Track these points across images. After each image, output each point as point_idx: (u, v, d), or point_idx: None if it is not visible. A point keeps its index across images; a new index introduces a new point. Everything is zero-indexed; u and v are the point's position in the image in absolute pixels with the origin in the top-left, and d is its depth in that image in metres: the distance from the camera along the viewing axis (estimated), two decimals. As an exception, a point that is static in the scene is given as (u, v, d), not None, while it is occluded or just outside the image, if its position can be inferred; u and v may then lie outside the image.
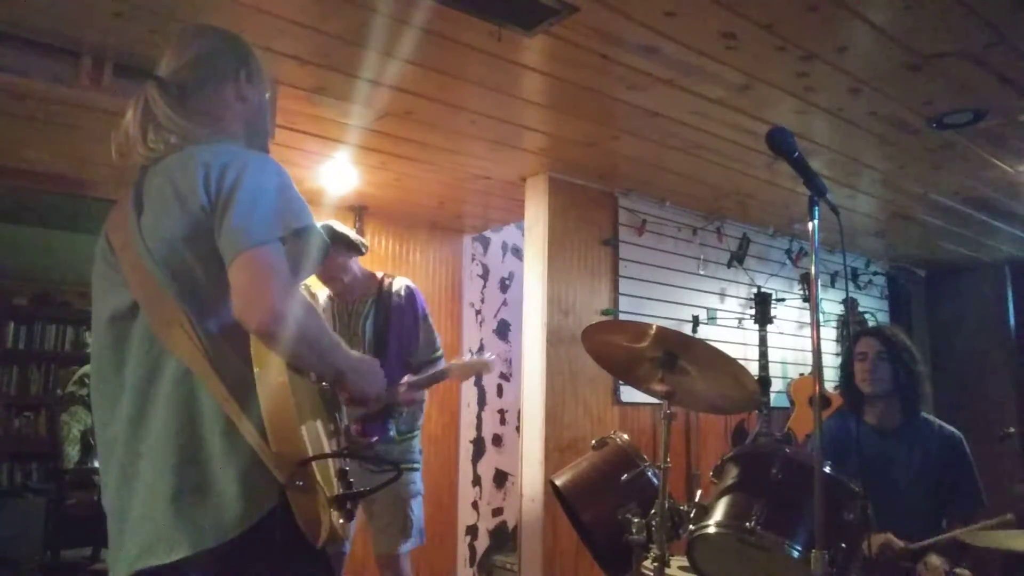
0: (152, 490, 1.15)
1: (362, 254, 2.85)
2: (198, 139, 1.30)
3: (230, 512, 1.12)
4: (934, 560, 2.15)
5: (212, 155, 1.24)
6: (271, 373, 1.13)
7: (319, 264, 1.32)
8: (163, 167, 1.28)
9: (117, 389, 1.24)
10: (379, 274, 2.93)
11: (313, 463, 1.13)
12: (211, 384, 1.15)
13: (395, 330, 2.78)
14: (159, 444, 1.16)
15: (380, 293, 2.84)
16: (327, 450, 1.21)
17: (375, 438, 2.66)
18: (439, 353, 2.90)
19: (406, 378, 2.69)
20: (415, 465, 2.84)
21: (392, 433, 2.76)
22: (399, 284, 2.88)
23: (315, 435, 1.20)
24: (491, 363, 2.91)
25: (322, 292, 2.88)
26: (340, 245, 2.74)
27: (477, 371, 2.99)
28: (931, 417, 2.59)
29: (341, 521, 1.17)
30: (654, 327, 2.00)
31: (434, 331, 2.91)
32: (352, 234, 2.79)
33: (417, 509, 2.78)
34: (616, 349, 2.17)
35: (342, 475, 1.24)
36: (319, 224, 2.99)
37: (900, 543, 2.21)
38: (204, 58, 1.40)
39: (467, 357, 2.90)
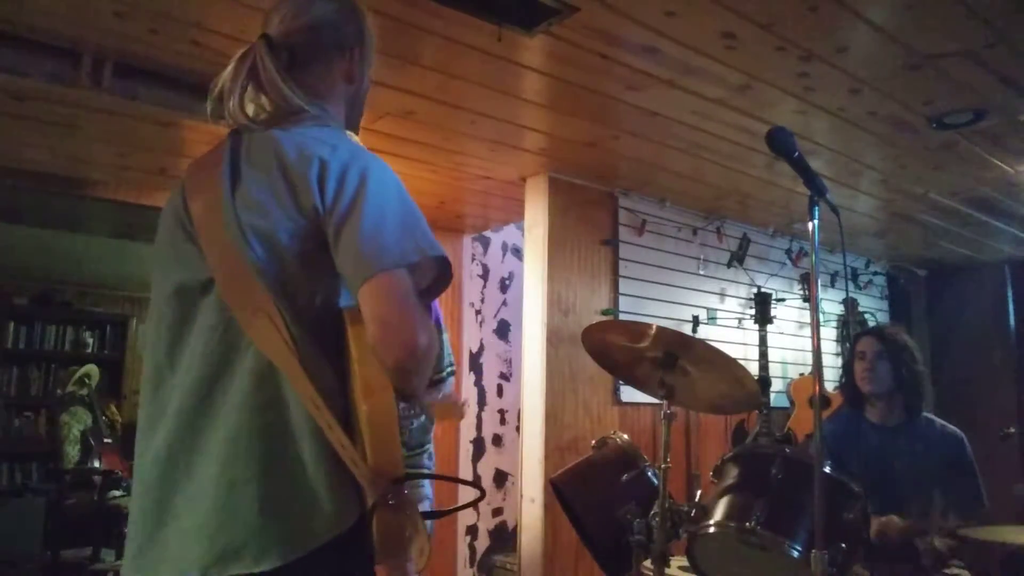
0: (231, 492, 1.04)
1: None
2: (301, 116, 1.19)
3: (320, 523, 1.04)
4: (936, 541, 2.15)
5: (328, 149, 1.12)
6: (376, 384, 1.05)
7: (437, 296, 1.22)
8: (270, 142, 1.15)
9: (164, 368, 1.14)
10: None
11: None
12: (300, 385, 1.05)
13: None
14: (237, 443, 1.06)
15: None
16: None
17: None
18: (443, 373, 2.75)
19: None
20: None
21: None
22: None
23: None
24: (463, 409, 2.83)
25: None
26: None
27: (447, 416, 2.87)
28: (933, 416, 2.60)
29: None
30: (654, 327, 2.00)
31: (444, 348, 2.75)
32: None
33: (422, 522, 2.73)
34: (616, 349, 2.17)
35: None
36: None
37: (899, 522, 2.21)
38: (322, 26, 1.26)
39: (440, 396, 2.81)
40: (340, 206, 1.08)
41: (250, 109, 1.21)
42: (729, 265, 4.30)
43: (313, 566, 1.04)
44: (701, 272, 4.15)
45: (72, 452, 4.85)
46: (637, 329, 2.06)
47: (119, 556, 4.13)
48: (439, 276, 1.18)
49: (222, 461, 1.06)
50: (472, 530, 4.58)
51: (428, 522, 2.80)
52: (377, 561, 1.08)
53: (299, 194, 1.10)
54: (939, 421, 2.58)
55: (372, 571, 1.11)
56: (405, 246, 1.09)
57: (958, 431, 2.54)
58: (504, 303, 4.86)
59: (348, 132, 1.30)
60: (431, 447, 2.86)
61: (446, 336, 2.83)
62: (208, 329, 1.11)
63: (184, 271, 1.16)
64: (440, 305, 2.94)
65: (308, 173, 1.10)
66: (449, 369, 2.79)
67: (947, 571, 2.17)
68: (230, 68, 1.20)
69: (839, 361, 4.89)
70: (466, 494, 4.61)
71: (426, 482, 2.80)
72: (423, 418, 2.80)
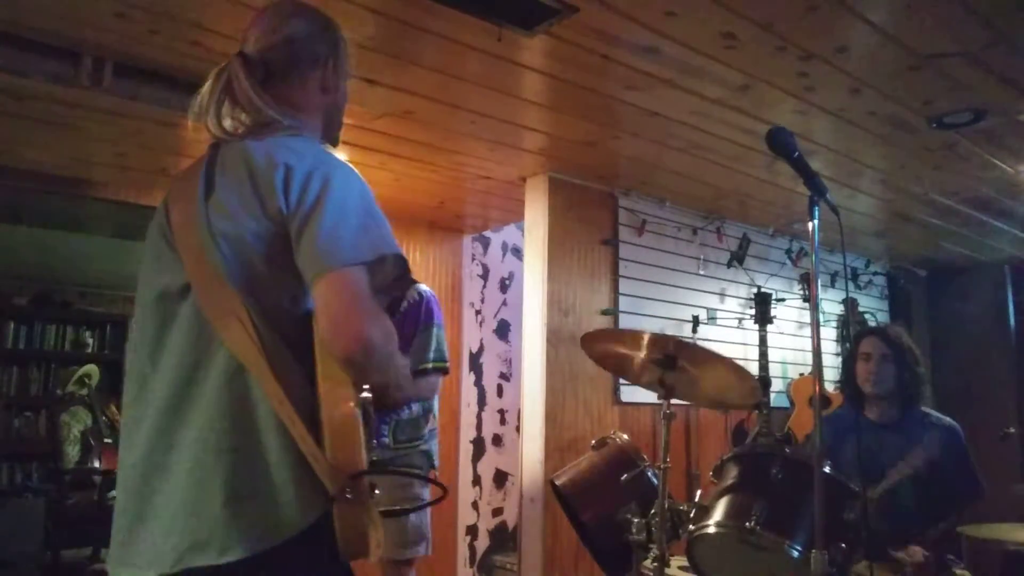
0: (200, 488, 1.09)
1: None
2: (275, 127, 1.24)
3: (283, 516, 1.08)
4: (915, 549, 2.17)
5: (295, 156, 1.18)
6: (333, 380, 1.09)
7: (393, 295, 1.29)
8: (242, 151, 1.21)
9: (147, 370, 1.19)
10: None
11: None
12: (267, 384, 1.10)
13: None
14: (207, 441, 1.10)
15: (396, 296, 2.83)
16: (366, 462, 1.15)
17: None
18: (428, 365, 2.71)
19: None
20: (414, 474, 2.75)
21: (386, 439, 2.67)
22: (412, 290, 2.79)
23: None
24: (444, 495, 2.80)
25: None
26: None
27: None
28: (928, 410, 2.61)
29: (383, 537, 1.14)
30: (646, 335, 2.00)
31: (431, 342, 2.73)
32: None
33: (416, 516, 2.69)
34: (615, 355, 2.18)
35: (372, 488, 1.19)
36: None
37: (924, 553, 2.21)
38: (296, 41, 1.31)
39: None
40: (303, 208, 1.13)
41: (227, 123, 1.26)
42: (729, 265, 4.30)
43: (278, 559, 1.07)
44: (701, 272, 4.15)
45: (72, 452, 4.85)
46: (632, 338, 2.06)
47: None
48: (399, 275, 1.22)
49: (192, 457, 1.11)
50: (472, 530, 4.58)
51: (420, 516, 2.77)
52: (342, 555, 1.11)
53: (264, 198, 1.15)
54: (933, 413, 2.60)
55: (339, 564, 1.14)
56: (360, 245, 1.13)
57: (952, 422, 2.56)
58: (504, 303, 4.86)
59: (325, 144, 1.36)
60: (432, 445, 2.83)
61: (442, 333, 2.80)
62: (185, 332, 1.17)
63: (165, 277, 1.21)
64: (440, 304, 2.95)
65: (273, 177, 1.15)
66: (435, 364, 2.75)
67: (948, 571, 2.17)
68: (208, 84, 1.27)
69: (839, 361, 4.89)
70: (464, 488, 4.62)
71: (417, 482, 2.77)
72: (414, 412, 2.77)
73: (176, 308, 1.18)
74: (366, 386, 1.19)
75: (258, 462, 1.10)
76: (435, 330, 2.77)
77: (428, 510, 2.79)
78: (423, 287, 2.85)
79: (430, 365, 2.73)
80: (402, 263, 1.20)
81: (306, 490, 1.09)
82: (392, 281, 1.22)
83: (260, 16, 1.34)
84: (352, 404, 1.09)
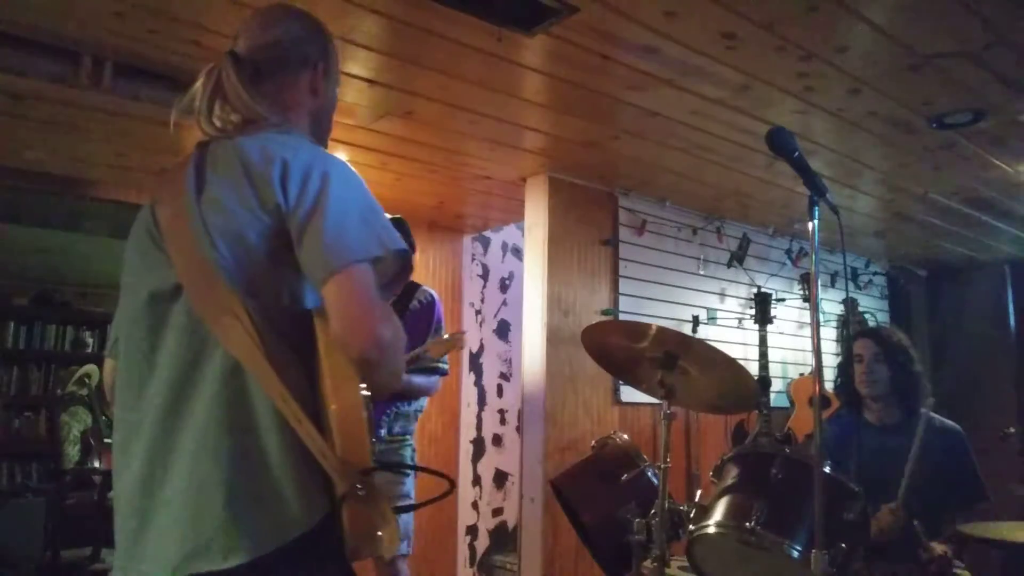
0: (200, 490, 1.07)
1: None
2: (265, 124, 1.24)
3: (288, 517, 1.06)
4: (937, 546, 2.16)
5: (290, 151, 1.17)
6: (343, 377, 1.07)
7: (398, 289, 1.24)
8: (234, 148, 1.20)
9: (145, 374, 1.17)
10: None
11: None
12: (268, 382, 1.08)
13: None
14: (205, 441, 1.09)
15: (402, 296, 2.87)
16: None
17: None
18: (440, 364, 2.87)
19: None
20: (406, 472, 2.82)
21: (383, 433, 2.75)
22: (422, 292, 2.93)
23: None
24: (463, 338, 2.93)
25: None
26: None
27: (450, 347, 2.96)
28: (931, 413, 2.60)
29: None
30: (654, 327, 2.00)
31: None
32: (412, 240, 2.84)
33: (403, 515, 2.72)
34: (616, 349, 2.17)
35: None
36: (392, 217, 3.04)
37: (890, 513, 2.22)
38: (286, 43, 1.32)
39: (444, 336, 2.90)
40: (303, 205, 1.12)
41: (218, 122, 1.26)
42: (729, 265, 4.30)
43: (283, 561, 1.06)
44: (701, 272, 4.16)
45: (72, 452, 4.85)
46: (637, 329, 2.06)
47: (119, 556, 4.12)
48: (400, 269, 1.21)
49: (192, 460, 1.09)
50: (472, 530, 4.58)
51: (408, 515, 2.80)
52: (349, 554, 1.10)
53: (262, 193, 1.13)
54: (937, 418, 2.58)
55: (344, 564, 1.12)
56: (367, 241, 1.12)
57: (956, 426, 2.55)
58: (504, 303, 4.86)
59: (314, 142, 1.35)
60: (413, 442, 2.89)
61: (445, 336, 2.89)
62: (179, 333, 1.15)
63: (154, 279, 1.19)
64: (443, 309, 2.98)
65: (270, 173, 1.13)
66: (443, 365, 2.86)
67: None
68: (199, 83, 1.27)
69: (838, 361, 4.88)
70: (464, 488, 4.61)
71: (408, 480, 2.81)
72: (412, 407, 2.84)
73: (168, 309, 1.17)
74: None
75: (259, 463, 1.08)
76: (442, 332, 2.87)
77: (411, 512, 2.82)
78: (430, 290, 2.93)
79: (440, 365, 2.86)
80: (405, 257, 1.20)
81: (310, 490, 1.08)
82: (393, 276, 1.21)
83: (252, 18, 1.35)
84: (361, 401, 1.08)
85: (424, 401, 2.94)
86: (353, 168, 1.22)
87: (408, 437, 2.86)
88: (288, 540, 1.06)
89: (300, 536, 1.06)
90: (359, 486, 1.05)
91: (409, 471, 2.84)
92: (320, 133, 1.40)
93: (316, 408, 1.10)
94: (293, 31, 1.34)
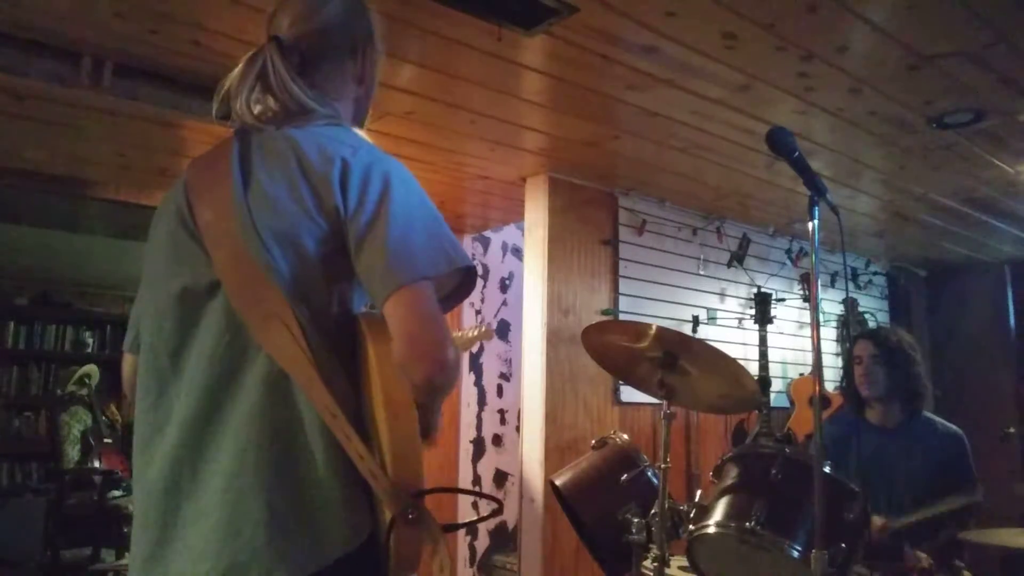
0: (237, 504, 1.00)
1: None
2: (313, 116, 1.17)
3: (331, 537, 1.00)
4: (921, 555, 2.16)
5: (349, 150, 1.09)
6: (402, 400, 1.00)
7: (457, 304, 1.19)
8: (287, 141, 1.12)
9: (168, 373, 1.10)
10: None
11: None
12: (317, 395, 1.00)
13: None
14: (245, 454, 1.01)
15: None
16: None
17: None
18: None
19: None
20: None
21: None
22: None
23: None
24: (490, 330, 2.92)
25: None
26: None
27: (478, 340, 2.94)
28: (933, 416, 2.60)
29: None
30: (654, 327, 2.00)
31: None
32: None
33: None
34: (616, 349, 2.17)
35: None
36: None
37: (880, 521, 2.22)
38: (333, 28, 1.24)
39: (469, 329, 2.89)
40: (364, 211, 1.05)
41: (256, 109, 1.19)
42: (729, 265, 4.30)
43: None
44: (701, 272, 4.15)
45: (72, 452, 4.85)
46: (637, 329, 2.06)
47: (119, 556, 4.13)
48: (460, 284, 1.15)
49: (229, 473, 1.02)
50: (472, 530, 4.58)
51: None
52: (392, 574, 1.03)
53: (321, 195, 1.07)
54: (939, 421, 2.58)
55: None
56: (434, 257, 1.06)
57: (958, 430, 2.55)
58: (504, 303, 4.86)
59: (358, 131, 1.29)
60: None
61: (472, 331, 2.89)
62: (215, 334, 1.07)
63: (188, 273, 1.11)
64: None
65: (330, 173, 1.07)
66: None
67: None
68: (238, 69, 1.19)
69: (839, 361, 4.89)
70: (464, 488, 4.61)
71: None
72: None
73: (202, 308, 1.09)
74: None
75: (304, 479, 1.02)
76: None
77: None
78: None
79: None
80: (471, 274, 1.13)
81: (355, 510, 1.02)
82: (452, 290, 1.15)
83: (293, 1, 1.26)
84: (416, 422, 1.01)
85: None
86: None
87: None
88: (330, 562, 1.00)
89: (343, 556, 1.01)
90: (410, 510, 0.98)
91: None
92: (361, 118, 1.34)
93: (361, 424, 1.04)
94: (339, 15, 1.26)
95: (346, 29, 1.26)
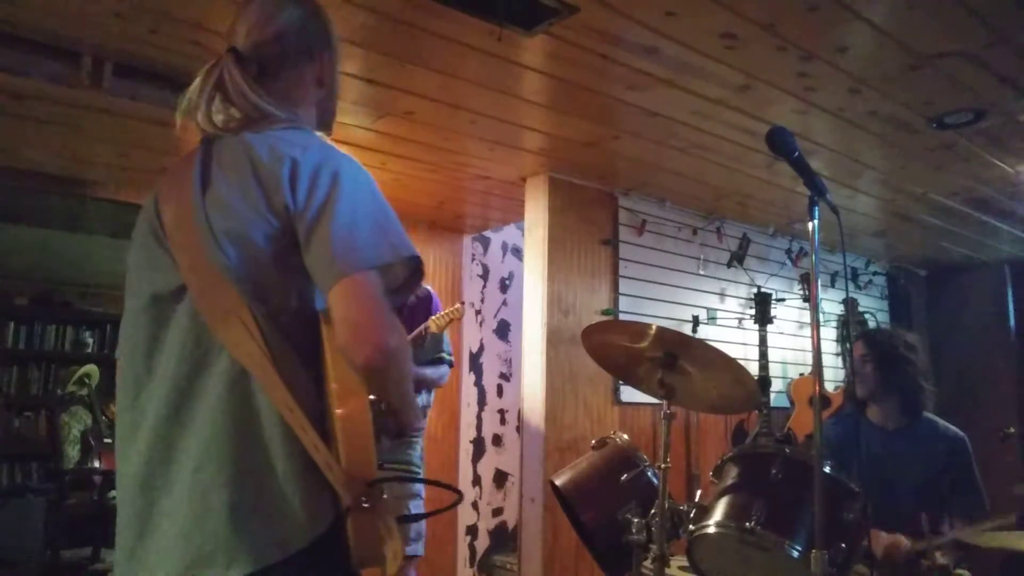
0: (203, 498, 1.05)
1: None
2: (272, 120, 1.20)
3: (293, 527, 1.04)
4: (940, 558, 2.15)
5: (300, 149, 1.13)
6: (349, 387, 1.05)
7: (408, 296, 1.21)
8: (242, 145, 1.16)
9: (143, 376, 1.14)
10: None
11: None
12: (274, 390, 1.05)
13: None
14: (209, 449, 1.06)
15: None
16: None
17: None
18: (443, 355, 2.91)
19: None
20: (415, 469, 2.82)
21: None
22: (420, 288, 2.92)
23: None
24: (462, 308, 2.94)
25: None
26: None
27: (452, 319, 2.95)
28: (935, 418, 2.60)
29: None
30: (654, 327, 2.00)
31: (444, 336, 2.92)
32: None
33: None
34: (616, 349, 2.17)
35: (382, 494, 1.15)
36: None
37: (908, 544, 2.20)
38: (289, 34, 1.26)
39: (441, 315, 2.90)
40: (312, 205, 1.08)
41: (218, 119, 1.22)
42: (729, 265, 4.30)
43: (288, 571, 1.04)
44: (701, 272, 4.16)
45: (72, 452, 4.85)
46: (637, 329, 2.05)
47: (119, 556, 4.12)
48: (411, 275, 1.19)
49: (194, 468, 1.06)
50: (472, 530, 4.58)
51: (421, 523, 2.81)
52: (355, 563, 1.08)
53: (270, 193, 1.10)
54: (941, 422, 2.57)
55: (351, 573, 1.11)
56: (378, 247, 1.09)
57: (960, 432, 2.54)
58: (504, 303, 4.86)
59: (320, 134, 1.32)
60: (422, 440, 2.90)
61: (446, 332, 2.92)
62: (182, 335, 1.12)
63: (158, 279, 1.16)
64: (441, 304, 2.99)
65: (279, 172, 1.10)
66: (449, 355, 2.92)
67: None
68: (197, 81, 1.22)
69: (839, 361, 4.89)
70: (464, 488, 4.61)
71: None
72: (419, 403, 2.85)
73: (171, 311, 1.14)
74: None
75: (264, 471, 1.06)
76: (445, 332, 2.90)
77: (422, 510, 2.81)
78: (427, 286, 2.97)
79: (445, 356, 2.91)
80: (417, 264, 1.17)
81: (315, 500, 1.06)
82: (403, 282, 1.18)
83: (249, 7, 1.28)
84: (368, 410, 1.06)
85: (431, 397, 2.97)
86: (362, 165, 1.19)
87: (416, 436, 2.86)
88: (293, 550, 1.04)
89: (306, 545, 1.05)
90: (363, 498, 1.03)
91: (419, 470, 2.84)
92: (327, 120, 1.37)
93: (323, 417, 1.08)
94: (294, 20, 1.28)
95: (302, 35, 1.29)
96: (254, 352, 1.06)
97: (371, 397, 1.12)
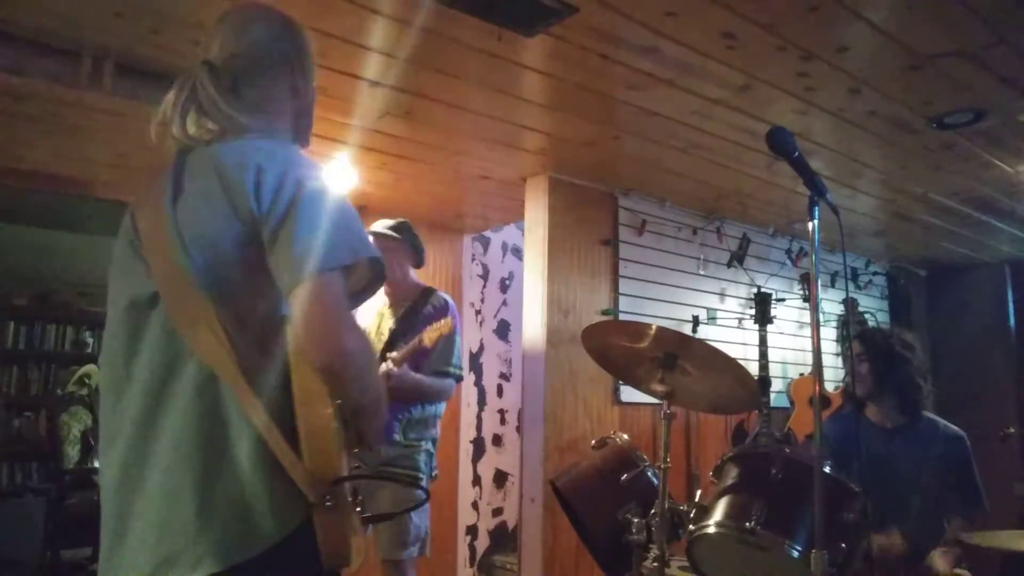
0: (171, 499, 1.08)
1: (418, 265, 2.93)
2: (244, 131, 1.22)
3: (259, 528, 1.07)
4: (939, 559, 2.16)
5: (266, 157, 1.15)
6: (310, 388, 1.08)
7: (370, 297, 1.25)
8: (210, 155, 1.19)
9: (122, 381, 1.17)
10: (423, 285, 2.95)
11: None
12: (240, 392, 1.08)
13: (409, 336, 2.70)
14: (178, 451, 1.09)
15: (416, 301, 2.87)
16: (347, 468, 1.14)
17: None
18: (452, 368, 2.82)
19: (390, 364, 2.61)
20: (419, 475, 2.74)
21: (397, 436, 2.69)
22: (437, 297, 2.90)
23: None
24: (450, 322, 2.84)
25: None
26: (407, 245, 2.85)
27: (440, 332, 2.88)
28: (935, 417, 2.60)
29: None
30: (654, 327, 2.00)
31: (455, 348, 2.83)
32: (420, 242, 2.87)
33: (417, 518, 2.68)
34: (616, 349, 2.17)
35: (354, 493, 1.18)
36: (397, 221, 3.01)
37: (901, 545, 2.21)
38: (261, 46, 1.29)
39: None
40: (276, 211, 1.10)
41: (192, 130, 1.24)
42: (729, 265, 4.30)
43: (255, 572, 1.06)
44: (701, 272, 4.16)
45: (72, 452, 4.85)
46: (637, 329, 2.06)
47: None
48: (374, 277, 1.21)
49: (165, 470, 1.09)
50: (472, 530, 4.58)
51: (420, 517, 2.77)
52: (325, 564, 1.10)
53: (236, 200, 1.12)
54: (941, 422, 2.58)
55: (320, 573, 1.12)
56: (338, 250, 1.11)
57: (960, 431, 2.54)
58: (504, 303, 4.86)
59: (295, 146, 1.33)
60: (434, 447, 2.84)
61: (461, 342, 2.88)
62: (155, 342, 1.14)
63: (134, 285, 1.19)
64: (458, 313, 2.96)
65: (245, 178, 1.12)
66: (456, 369, 2.85)
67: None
68: (171, 93, 1.24)
69: (839, 361, 4.89)
70: (464, 488, 4.61)
71: (422, 483, 2.77)
72: (426, 411, 2.81)
73: (146, 317, 1.16)
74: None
75: (231, 473, 1.08)
76: (457, 339, 2.85)
77: (427, 514, 2.78)
78: (445, 295, 2.92)
79: (451, 369, 2.83)
80: (378, 266, 1.19)
81: (282, 500, 1.07)
82: (366, 284, 1.21)
83: (222, 20, 1.32)
84: (329, 411, 1.08)
85: (441, 407, 2.88)
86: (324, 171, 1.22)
87: (423, 443, 2.78)
88: (260, 550, 1.06)
89: (274, 545, 1.06)
90: (327, 497, 1.06)
91: (424, 477, 2.78)
92: (303, 130, 1.39)
93: (289, 419, 1.09)
94: (266, 32, 1.31)
95: (275, 46, 1.31)
96: (221, 356, 1.09)
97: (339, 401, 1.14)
